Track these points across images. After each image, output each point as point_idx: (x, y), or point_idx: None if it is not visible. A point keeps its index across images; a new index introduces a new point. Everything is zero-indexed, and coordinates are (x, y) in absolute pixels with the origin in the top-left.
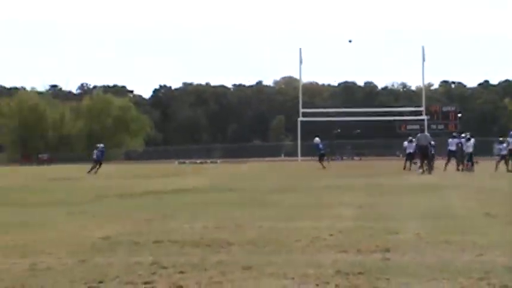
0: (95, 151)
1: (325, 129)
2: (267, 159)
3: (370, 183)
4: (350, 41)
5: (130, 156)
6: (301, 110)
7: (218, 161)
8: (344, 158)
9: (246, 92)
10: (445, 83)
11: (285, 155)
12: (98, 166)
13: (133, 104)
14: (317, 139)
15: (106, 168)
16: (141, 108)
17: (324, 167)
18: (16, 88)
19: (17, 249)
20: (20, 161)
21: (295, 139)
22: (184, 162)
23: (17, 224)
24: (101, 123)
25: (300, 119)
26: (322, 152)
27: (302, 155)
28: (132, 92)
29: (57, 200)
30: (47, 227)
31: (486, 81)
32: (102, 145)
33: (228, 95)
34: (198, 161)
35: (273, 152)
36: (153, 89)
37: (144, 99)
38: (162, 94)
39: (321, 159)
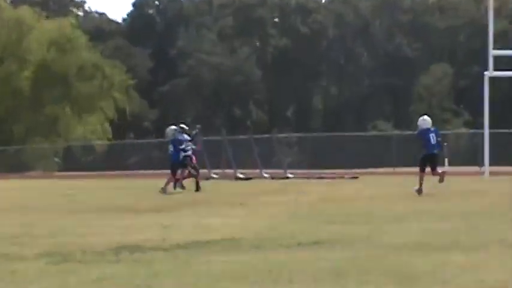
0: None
1: None
2: (402, 169)
3: None
4: None
5: (76, 161)
6: (492, 52)
7: (289, 174)
8: None
9: (358, 6)
10: None
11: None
12: (189, 173)
13: (86, 33)
14: (425, 117)
15: (16, 186)
16: (105, 44)
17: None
18: None
19: None
20: None
21: (476, 121)
22: (212, 177)
23: None
24: (7, 81)
25: (489, 73)
26: (435, 151)
27: (492, 161)
28: (81, 5)
29: None
30: None
31: None
32: (173, 127)
33: (315, 13)
34: (241, 175)
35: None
36: (132, 1)
37: (112, 22)
38: (155, 13)
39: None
